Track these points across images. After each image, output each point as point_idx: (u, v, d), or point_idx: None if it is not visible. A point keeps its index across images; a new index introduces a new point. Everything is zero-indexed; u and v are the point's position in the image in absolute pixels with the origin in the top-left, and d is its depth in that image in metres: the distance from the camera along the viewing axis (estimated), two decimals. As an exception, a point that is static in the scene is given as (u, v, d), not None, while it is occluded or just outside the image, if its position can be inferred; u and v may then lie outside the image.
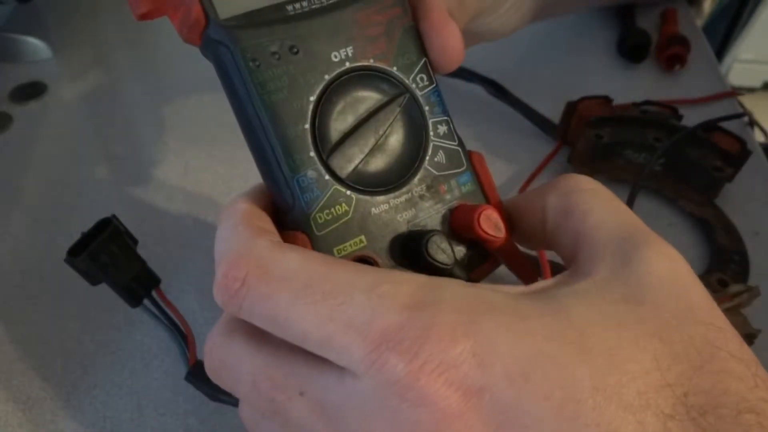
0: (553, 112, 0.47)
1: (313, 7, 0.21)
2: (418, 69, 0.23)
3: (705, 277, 0.36)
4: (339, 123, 0.21)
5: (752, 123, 0.46)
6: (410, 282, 0.18)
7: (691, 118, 0.44)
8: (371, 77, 0.22)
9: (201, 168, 0.47)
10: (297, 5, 0.21)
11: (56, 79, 0.54)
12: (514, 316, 0.17)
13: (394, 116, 0.22)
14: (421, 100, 0.23)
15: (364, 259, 0.22)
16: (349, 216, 0.21)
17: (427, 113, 0.23)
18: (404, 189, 0.22)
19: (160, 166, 0.47)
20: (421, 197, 0.23)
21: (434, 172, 0.23)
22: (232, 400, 0.32)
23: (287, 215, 0.22)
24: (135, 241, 0.33)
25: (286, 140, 0.21)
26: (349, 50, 0.22)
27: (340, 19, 0.22)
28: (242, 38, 0.20)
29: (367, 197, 0.22)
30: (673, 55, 0.52)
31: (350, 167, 0.21)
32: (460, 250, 0.23)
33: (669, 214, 0.43)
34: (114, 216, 0.32)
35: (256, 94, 0.21)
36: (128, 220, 0.34)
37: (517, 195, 0.24)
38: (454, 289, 0.18)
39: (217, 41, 0.21)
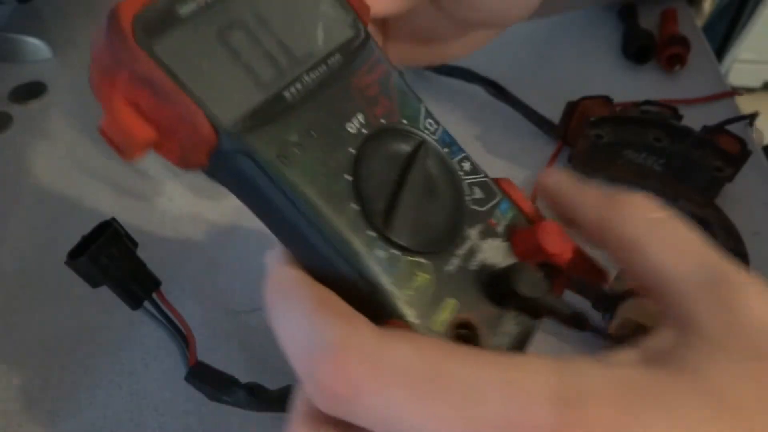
0: (553, 113, 0.47)
1: (309, 87, 0.20)
2: (422, 115, 0.22)
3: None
4: (381, 192, 0.20)
5: (752, 123, 0.46)
6: (542, 369, 0.16)
7: (691, 118, 0.44)
8: (390, 137, 0.21)
9: (201, 168, 0.47)
10: (293, 89, 0.20)
11: (56, 79, 0.54)
12: (665, 399, 0.16)
13: (425, 169, 0.21)
14: (438, 144, 0.22)
15: (465, 325, 0.20)
16: (432, 283, 0.20)
17: (447, 155, 0.22)
18: (463, 236, 0.21)
19: (160, 166, 0.47)
20: (480, 237, 0.22)
21: (479, 209, 0.22)
22: (232, 400, 0.32)
23: (363, 307, 0.19)
24: (135, 244, 0.33)
25: (341, 228, 0.19)
26: (360, 117, 0.21)
27: (338, 90, 0.21)
28: (261, 139, 0.19)
29: (437, 257, 0.20)
30: (673, 55, 0.52)
31: (410, 233, 0.20)
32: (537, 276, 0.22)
33: (669, 215, 0.43)
34: (114, 219, 0.32)
35: (295, 192, 0.19)
36: (128, 220, 0.34)
37: (574, 191, 0.22)
38: (591, 372, 0.16)
39: (234, 152, 0.19)
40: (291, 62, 0.20)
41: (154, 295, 0.33)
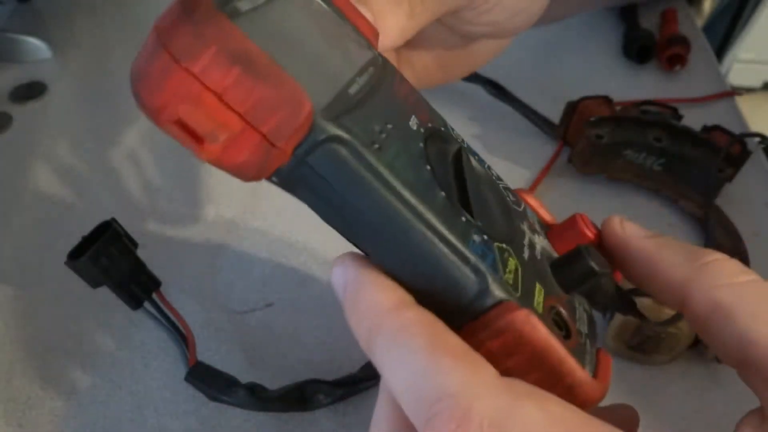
0: (553, 113, 0.47)
1: (365, 87, 0.19)
2: (449, 127, 0.23)
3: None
4: (454, 183, 0.20)
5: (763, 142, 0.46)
6: None
7: (691, 117, 0.44)
8: (440, 138, 0.21)
9: (201, 169, 0.47)
10: (355, 87, 0.19)
11: (56, 79, 0.54)
12: None
13: (476, 165, 0.22)
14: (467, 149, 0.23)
15: (553, 307, 0.20)
16: (521, 267, 0.20)
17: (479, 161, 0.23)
18: (522, 228, 0.22)
19: (160, 166, 0.47)
20: (530, 232, 0.22)
21: (518, 209, 0.23)
22: (232, 400, 0.32)
23: (462, 303, 0.19)
24: (135, 244, 0.33)
25: (440, 213, 0.18)
26: (413, 118, 0.21)
27: (386, 94, 0.20)
28: (355, 124, 0.18)
29: (515, 245, 0.20)
30: (673, 55, 0.52)
31: (491, 220, 0.20)
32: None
33: (669, 214, 0.43)
34: (114, 219, 0.32)
35: (393, 180, 0.18)
36: (128, 220, 0.34)
37: (647, 255, 0.20)
38: None
39: (326, 140, 0.17)
40: (349, 59, 0.19)
41: (154, 296, 0.33)
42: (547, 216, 0.24)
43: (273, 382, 0.33)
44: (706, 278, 0.18)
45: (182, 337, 0.33)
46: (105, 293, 0.32)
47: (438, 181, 0.19)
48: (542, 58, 0.55)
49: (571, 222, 0.23)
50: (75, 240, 0.31)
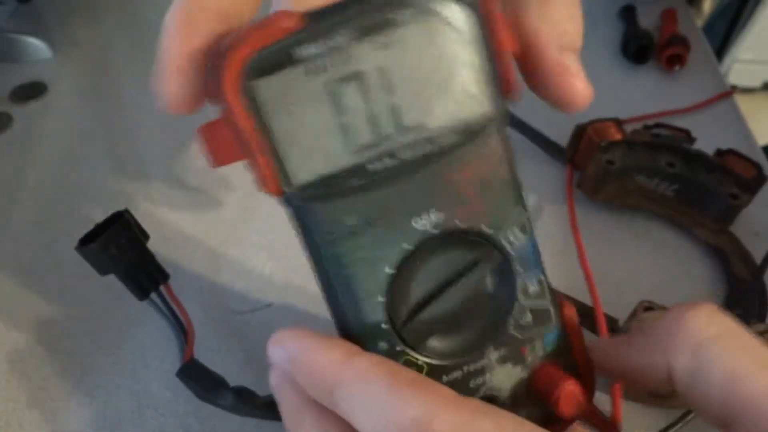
0: (554, 118, 0.46)
1: (399, 165, 0.19)
2: (512, 226, 0.20)
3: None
4: (417, 293, 0.20)
5: None
6: None
7: (692, 120, 0.44)
8: (457, 241, 0.20)
9: (201, 167, 0.47)
10: (379, 164, 0.19)
11: (56, 79, 0.54)
12: None
13: (477, 282, 0.20)
14: (513, 258, 0.20)
15: None
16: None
17: (517, 272, 0.20)
18: (481, 354, 0.21)
19: (160, 165, 0.47)
20: (499, 361, 0.21)
21: (518, 336, 0.21)
22: (218, 402, 0.31)
23: None
24: (146, 236, 0.33)
25: (359, 312, 0.19)
26: (433, 215, 0.19)
27: (426, 179, 0.19)
28: (318, 212, 0.19)
29: (440, 365, 0.20)
30: (673, 55, 0.52)
31: (425, 338, 0.20)
32: (534, 413, 0.21)
33: (682, 243, 0.41)
34: (126, 210, 0.32)
35: (330, 263, 0.19)
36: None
37: (622, 346, 0.21)
38: None
39: (293, 207, 0.19)
40: (395, 131, 0.19)
41: (162, 288, 0.33)
42: (581, 357, 0.22)
43: (273, 382, 0.33)
44: (681, 343, 0.19)
45: (183, 333, 0.33)
46: (105, 292, 0.32)
47: (391, 285, 0.19)
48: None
49: (555, 385, 0.20)
50: (74, 240, 0.31)
